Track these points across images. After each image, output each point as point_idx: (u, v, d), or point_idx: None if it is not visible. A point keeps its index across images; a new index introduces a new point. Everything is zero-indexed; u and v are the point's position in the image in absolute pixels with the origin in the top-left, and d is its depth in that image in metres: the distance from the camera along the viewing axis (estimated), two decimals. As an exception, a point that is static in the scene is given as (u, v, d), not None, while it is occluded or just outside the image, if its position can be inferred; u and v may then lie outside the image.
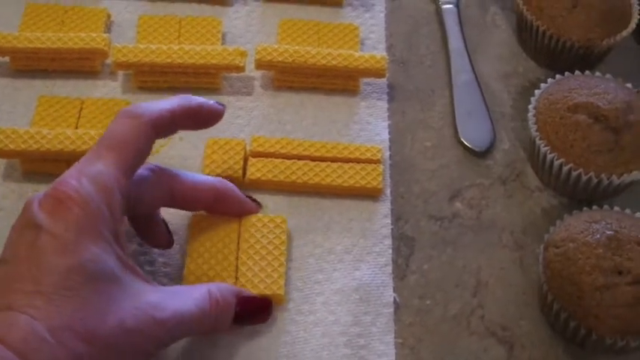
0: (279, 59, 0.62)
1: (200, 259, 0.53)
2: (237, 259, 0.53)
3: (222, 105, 0.52)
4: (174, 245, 0.55)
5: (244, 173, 0.58)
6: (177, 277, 0.54)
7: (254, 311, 0.51)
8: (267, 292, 0.52)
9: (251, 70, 0.64)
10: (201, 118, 0.51)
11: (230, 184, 0.54)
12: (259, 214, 0.55)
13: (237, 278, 0.52)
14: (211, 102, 0.51)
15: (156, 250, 0.55)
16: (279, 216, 0.55)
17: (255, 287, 0.52)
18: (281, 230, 0.54)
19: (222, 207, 0.54)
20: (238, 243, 0.54)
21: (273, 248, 0.54)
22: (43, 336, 0.40)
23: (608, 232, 0.51)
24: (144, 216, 0.52)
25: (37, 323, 0.40)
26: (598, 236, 0.51)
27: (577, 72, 0.61)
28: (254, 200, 0.56)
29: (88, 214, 0.43)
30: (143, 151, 0.48)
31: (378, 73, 0.63)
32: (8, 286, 0.41)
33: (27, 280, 0.41)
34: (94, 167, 0.45)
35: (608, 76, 0.61)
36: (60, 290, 0.41)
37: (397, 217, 0.58)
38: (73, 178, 0.44)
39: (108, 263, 0.43)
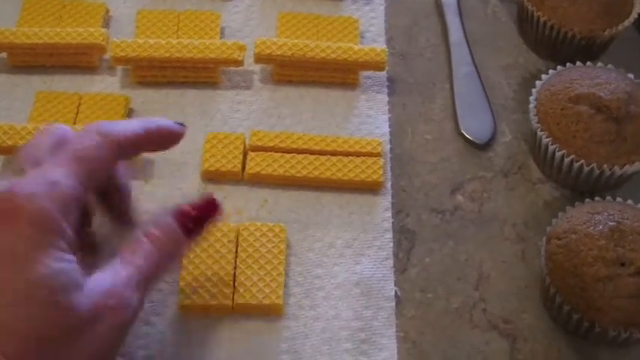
0: (278, 53, 0.62)
1: (196, 271, 0.52)
2: (235, 268, 0.53)
3: (182, 125, 0.50)
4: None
5: (244, 167, 0.58)
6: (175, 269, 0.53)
7: (202, 218, 0.47)
8: (266, 301, 0.51)
9: (250, 64, 0.63)
10: (160, 141, 0.49)
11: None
12: (258, 223, 0.55)
13: (235, 288, 0.52)
14: (169, 123, 0.49)
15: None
16: (278, 225, 0.55)
17: (254, 297, 0.51)
18: (280, 239, 0.54)
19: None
20: (236, 252, 0.53)
21: (272, 257, 0.53)
22: None
23: (611, 224, 0.51)
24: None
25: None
26: (600, 227, 0.51)
27: (578, 63, 0.60)
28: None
29: (41, 225, 0.40)
30: (104, 169, 0.46)
31: (377, 66, 0.62)
32: None
33: None
34: (51, 174, 0.42)
35: (609, 66, 0.60)
36: (13, 312, 0.38)
37: (398, 211, 0.58)
38: (27, 184, 0.41)
39: (66, 274, 0.40)
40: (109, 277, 0.42)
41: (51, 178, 0.42)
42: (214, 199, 0.48)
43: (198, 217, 0.47)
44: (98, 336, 0.41)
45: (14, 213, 0.40)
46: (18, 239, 0.40)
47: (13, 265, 0.39)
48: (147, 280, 0.44)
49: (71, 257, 0.41)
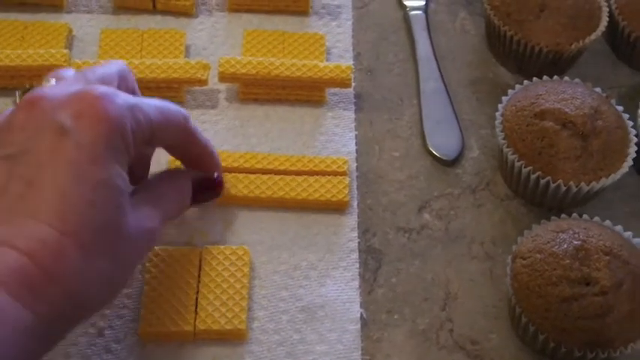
0: (243, 71, 0.61)
1: (158, 297, 0.51)
2: (197, 293, 0.52)
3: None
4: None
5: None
6: (137, 295, 0.52)
7: (208, 194, 0.54)
8: (228, 326, 0.50)
9: (215, 83, 0.63)
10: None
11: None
12: (221, 246, 0.54)
13: (197, 313, 0.51)
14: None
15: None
16: (242, 247, 0.54)
17: (216, 322, 0.51)
18: (243, 262, 0.53)
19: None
20: (199, 276, 0.52)
21: (234, 281, 0.52)
22: (75, 261, 0.40)
23: (576, 242, 0.50)
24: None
25: (65, 240, 0.40)
26: (565, 246, 0.50)
27: (545, 77, 0.60)
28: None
29: (117, 135, 0.43)
30: (172, 134, 0.50)
31: (343, 83, 0.62)
32: (29, 193, 0.41)
33: (52, 190, 0.41)
34: (131, 99, 0.45)
35: (576, 80, 0.60)
36: (86, 205, 0.41)
37: (364, 230, 0.57)
38: (113, 94, 0.44)
39: (125, 183, 0.44)
40: (148, 217, 0.46)
41: (131, 102, 0.45)
42: (222, 181, 0.55)
43: (207, 192, 0.54)
44: (135, 252, 0.45)
45: (99, 114, 0.42)
46: (98, 139, 0.42)
47: (91, 161, 0.42)
48: (164, 223, 0.49)
49: (126, 177, 0.44)
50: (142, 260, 0.47)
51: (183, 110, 0.50)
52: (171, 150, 0.52)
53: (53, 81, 0.47)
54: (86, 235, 0.41)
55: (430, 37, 0.68)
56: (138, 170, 0.50)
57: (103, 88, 0.44)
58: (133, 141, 0.44)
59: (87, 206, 0.41)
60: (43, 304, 0.39)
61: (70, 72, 0.49)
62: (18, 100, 0.49)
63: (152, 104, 0.47)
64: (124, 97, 0.44)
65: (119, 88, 0.48)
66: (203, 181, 0.54)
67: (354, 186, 0.59)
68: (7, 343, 0.37)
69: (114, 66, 0.49)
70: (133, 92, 0.50)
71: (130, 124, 0.44)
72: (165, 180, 0.51)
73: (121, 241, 0.43)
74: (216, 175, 0.54)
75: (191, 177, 0.52)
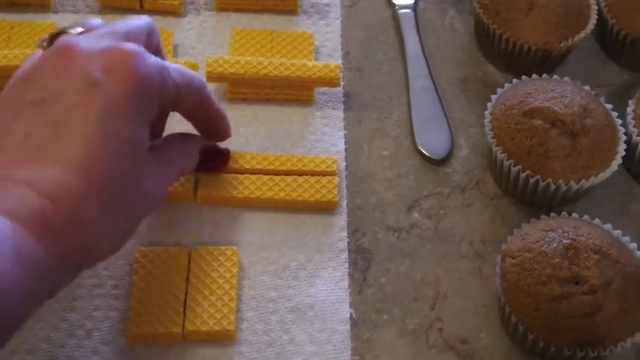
0: (231, 71, 0.61)
1: (146, 299, 0.51)
2: (185, 294, 0.51)
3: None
4: (125, 267, 0.53)
5: (196, 189, 0.57)
6: (125, 297, 0.52)
7: (210, 159, 0.55)
8: (217, 327, 0.50)
9: (203, 83, 0.62)
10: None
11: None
12: (210, 247, 0.54)
13: (185, 314, 0.51)
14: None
15: (105, 272, 0.53)
16: (231, 248, 0.54)
17: (204, 323, 0.50)
18: (232, 263, 0.53)
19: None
20: (187, 277, 0.52)
21: (223, 282, 0.52)
22: (91, 209, 0.41)
23: (565, 241, 0.50)
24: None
25: (84, 189, 0.41)
26: (554, 245, 0.50)
27: (534, 75, 0.60)
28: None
29: (143, 95, 0.44)
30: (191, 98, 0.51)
31: (332, 83, 0.62)
32: (55, 139, 0.42)
33: (77, 139, 0.41)
34: (161, 62, 0.46)
35: (565, 78, 0.59)
36: (108, 157, 0.42)
37: (354, 230, 0.57)
38: (145, 54, 0.45)
39: (146, 141, 0.45)
40: (159, 178, 0.48)
41: (160, 63, 0.46)
42: (229, 152, 0.56)
43: (212, 161, 0.55)
44: (144, 209, 0.47)
45: (131, 71, 0.44)
46: (127, 95, 0.43)
47: (118, 114, 0.43)
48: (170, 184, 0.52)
49: (147, 135, 0.46)
50: (146, 217, 0.49)
51: (201, 76, 0.51)
52: (187, 114, 0.52)
53: (79, 29, 0.48)
54: (104, 186, 0.42)
55: (419, 36, 0.68)
56: (156, 128, 0.51)
57: (133, 46, 0.45)
58: (159, 101, 0.45)
59: (109, 158, 0.42)
60: (59, 245, 0.40)
61: (98, 21, 0.49)
62: (47, 45, 0.49)
63: (176, 68, 0.48)
64: (154, 58, 0.46)
65: (146, 44, 0.49)
66: (210, 150, 0.55)
67: (343, 185, 0.59)
68: (25, 278, 0.38)
69: (142, 21, 0.50)
70: (158, 49, 0.51)
71: (158, 84, 0.45)
72: (175, 143, 0.52)
73: (135, 196, 0.45)
74: (224, 148, 0.56)
75: (200, 144, 0.54)
